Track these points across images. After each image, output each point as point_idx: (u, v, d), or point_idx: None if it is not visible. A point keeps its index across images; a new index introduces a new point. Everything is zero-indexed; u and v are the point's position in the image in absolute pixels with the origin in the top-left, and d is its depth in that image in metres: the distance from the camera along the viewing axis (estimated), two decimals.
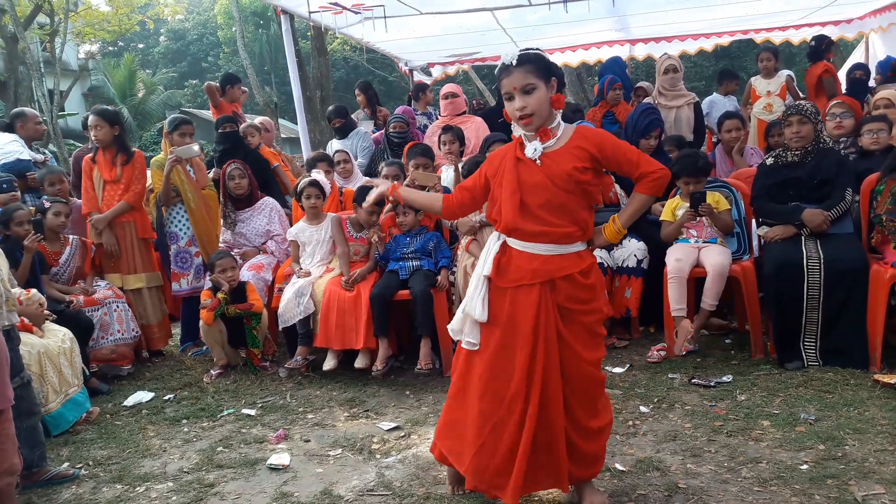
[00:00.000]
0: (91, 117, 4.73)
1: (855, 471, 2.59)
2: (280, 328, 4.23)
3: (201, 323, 4.21)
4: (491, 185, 2.41)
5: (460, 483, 2.58)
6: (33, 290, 3.69)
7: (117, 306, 4.42)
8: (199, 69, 32.06)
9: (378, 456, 3.06)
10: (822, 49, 6.66)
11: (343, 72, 26.77)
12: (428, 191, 4.56)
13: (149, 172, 4.97)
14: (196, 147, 4.85)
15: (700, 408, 3.28)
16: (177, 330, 5.16)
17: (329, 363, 3.99)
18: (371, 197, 2.76)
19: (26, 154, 5.11)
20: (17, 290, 3.38)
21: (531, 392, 2.29)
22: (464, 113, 5.91)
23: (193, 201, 4.80)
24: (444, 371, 4.01)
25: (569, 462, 2.36)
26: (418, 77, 8.86)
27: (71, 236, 4.53)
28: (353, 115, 6.92)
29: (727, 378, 3.59)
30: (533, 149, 2.29)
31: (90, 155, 4.75)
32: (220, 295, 4.17)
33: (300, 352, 4.13)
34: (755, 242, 4.19)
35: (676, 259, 3.94)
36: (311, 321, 4.11)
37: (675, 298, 3.85)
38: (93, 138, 4.72)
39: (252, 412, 3.67)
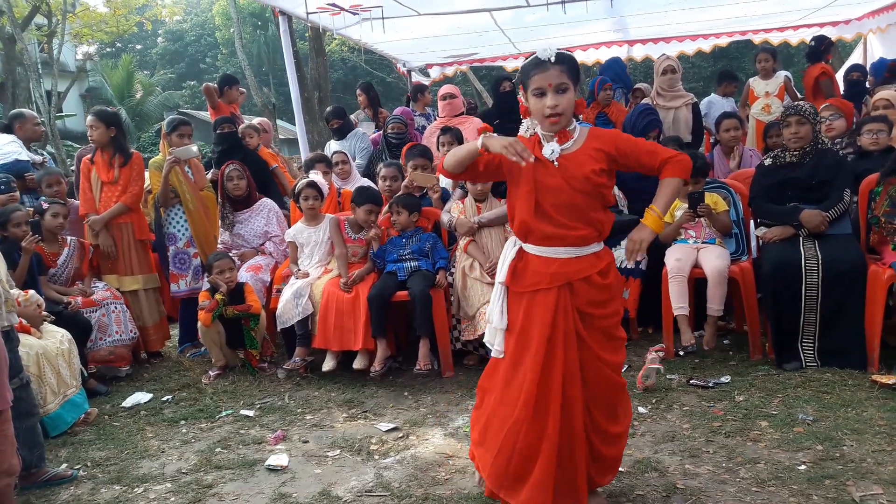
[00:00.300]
0: (88, 118, 4.73)
1: (853, 471, 2.60)
2: (278, 329, 4.23)
3: (199, 324, 4.21)
4: (507, 181, 2.37)
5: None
6: (31, 292, 3.69)
7: (115, 307, 4.42)
8: (197, 70, 32.06)
9: (376, 457, 3.06)
10: (822, 50, 6.67)
11: (341, 73, 26.80)
12: (426, 192, 4.58)
13: (147, 174, 4.97)
14: (195, 148, 4.85)
15: (698, 408, 3.29)
16: (175, 331, 5.16)
17: (327, 364, 3.99)
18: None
19: (24, 155, 5.10)
20: (15, 292, 3.39)
21: (551, 398, 2.25)
22: (462, 114, 5.92)
23: (192, 202, 4.80)
24: (443, 372, 4.01)
25: (591, 465, 2.34)
26: (416, 78, 8.86)
27: (69, 237, 4.53)
28: (353, 116, 6.93)
29: (725, 379, 3.60)
30: (550, 150, 2.25)
31: (89, 156, 4.75)
32: (218, 296, 4.16)
33: (298, 353, 4.13)
34: (753, 243, 4.19)
35: (676, 259, 3.94)
36: (310, 322, 4.11)
37: (677, 297, 3.86)
38: (89, 139, 4.72)
39: (250, 413, 3.66)
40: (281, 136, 19.03)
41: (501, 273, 2.36)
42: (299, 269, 4.35)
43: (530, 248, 2.32)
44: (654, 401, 3.39)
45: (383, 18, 6.06)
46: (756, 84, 6.67)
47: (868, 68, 6.86)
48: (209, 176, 5.21)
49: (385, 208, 4.40)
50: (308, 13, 6.04)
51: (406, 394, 3.81)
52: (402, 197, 4.32)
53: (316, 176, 4.66)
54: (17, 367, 2.85)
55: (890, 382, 3.26)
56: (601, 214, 2.29)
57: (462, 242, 4.14)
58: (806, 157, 3.81)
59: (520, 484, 2.30)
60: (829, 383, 3.40)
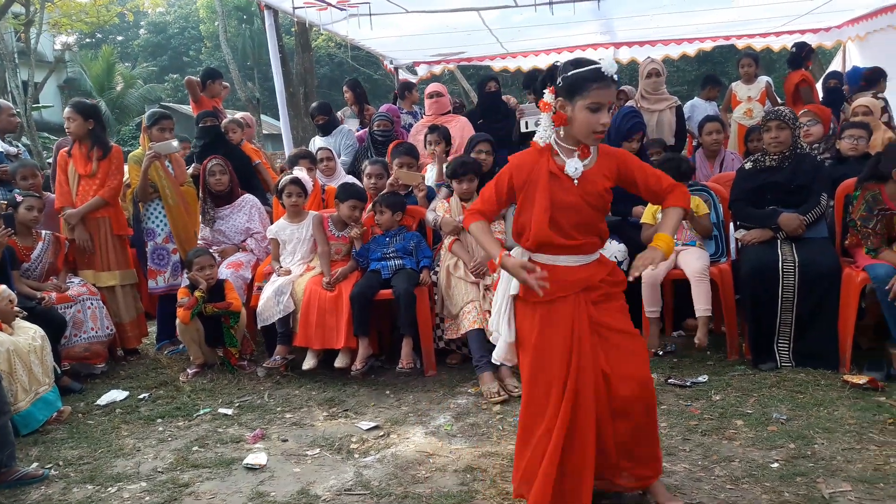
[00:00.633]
0: (65, 109, 4.65)
1: (823, 468, 2.63)
2: (259, 327, 4.19)
3: (178, 321, 4.16)
4: (517, 195, 2.33)
5: None
6: (3, 287, 3.61)
7: (91, 303, 4.35)
8: (180, 63, 31.71)
9: (356, 455, 3.04)
10: (802, 56, 6.75)
11: (327, 69, 26.66)
12: (411, 190, 4.57)
13: (126, 167, 4.90)
14: (175, 143, 4.79)
15: (676, 407, 3.31)
16: (153, 328, 5.09)
17: (308, 362, 3.96)
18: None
19: None
20: None
21: (564, 400, 2.26)
22: (448, 112, 5.90)
23: (171, 197, 4.74)
24: (426, 371, 4.00)
25: (630, 462, 2.35)
26: (403, 76, 8.84)
27: (44, 231, 4.46)
28: (339, 113, 6.89)
29: (703, 378, 3.63)
30: (574, 167, 2.24)
31: (66, 148, 4.67)
32: (197, 293, 4.12)
33: (279, 351, 4.10)
34: (732, 245, 4.23)
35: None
36: (291, 320, 4.07)
37: (649, 301, 3.95)
38: (66, 131, 4.65)
39: (229, 411, 3.63)
40: (265, 132, 18.90)
41: (513, 285, 2.32)
42: (281, 267, 4.31)
43: (542, 259, 2.32)
44: None
45: (371, 15, 6.03)
46: (738, 88, 6.73)
47: (845, 76, 6.96)
48: (190, 170, 5.15)
49: (369, 206, 4.38)
50: (294, 8, 6.00)
51: (388, 392, 3.79)
52: (386, 196, 4.30)
53: (300, 172, 4.62)
54: None
55: (860, 382, 3.31)
56: (603, 224, 2.36)
57: (447, 241, 4.13)
58: (785, 161, 3.85)
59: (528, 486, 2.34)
60: (802, 383, 3.44)
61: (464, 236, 4.10)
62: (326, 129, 6.01)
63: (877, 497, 2.42)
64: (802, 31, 8.12)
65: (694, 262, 3.93)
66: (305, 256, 4.35)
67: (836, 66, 8.57)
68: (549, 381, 2.28)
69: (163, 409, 3.73)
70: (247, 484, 2.84)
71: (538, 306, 2.29)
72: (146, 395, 3.96)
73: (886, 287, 3.34)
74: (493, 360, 2.54)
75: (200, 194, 4.83)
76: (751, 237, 3.86)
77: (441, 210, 4.20)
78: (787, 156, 3.85)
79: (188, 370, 4.23)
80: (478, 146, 4.41)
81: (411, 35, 7.54)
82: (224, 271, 4.44)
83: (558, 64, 2.30)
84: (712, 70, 15.63)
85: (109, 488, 2.88)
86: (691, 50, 8.51)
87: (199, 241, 4.77)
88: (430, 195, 4.53)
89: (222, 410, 3.64)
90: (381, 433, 3.26)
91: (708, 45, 8.49)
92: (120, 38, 33.78)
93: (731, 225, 4.22)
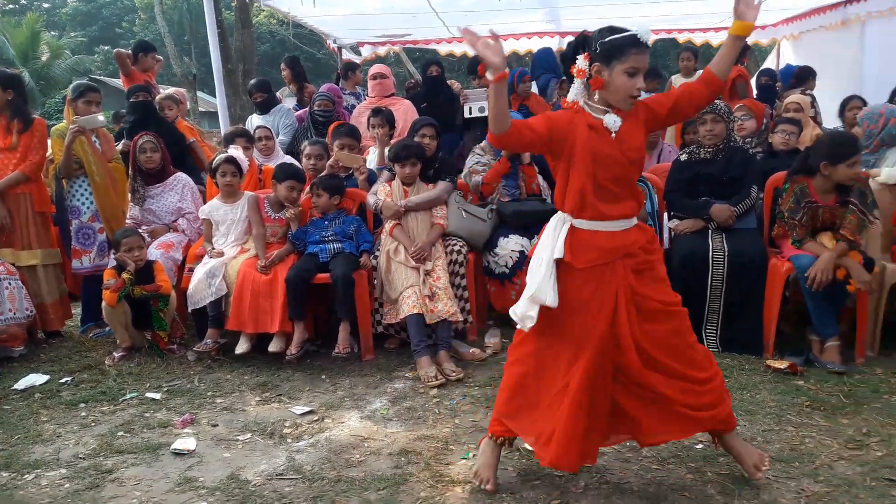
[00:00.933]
0: None
1: None
2: (189, 310, 4.06)
3: (104, 304, 3.98)
4: (556, 148, 2.29)
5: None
6: None
7: (9, 283, 4.12)
8: (112, 35, 30.34)
9: (289, 440, 3.00)
10: (742, 52, 6.95)
11: (268, 46, 25.99)
12: (352, 173, 4.50)
13: (49, 142, 4.65)
14: (101, 117, 4.57)
15: None
16: (77, 310, 4.87)
17: (241, 347, 3.86)
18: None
19: None
20: None
21: (604, 374, 2.28)
22: (392, 95, 5.84)
23: (98, 174, 4.53)
24: (363, 355, 3.96)
25: (695, 412, 2.33)
26: (347, 56, 8.69)
27: None
28: (279, 93, 6.72)
29: None
30: (612, 120, 2.26)
31: None
32: (124, 275, 3.95)
33: (210, 335, 3.98)
34: (666, 235, 4.33)
35: None
36: (223, 303, 3.96)
37: None
38: None
39: (157, 396, 3.51)
40: (201, 109, 18.34)
41: (558, 249, 2.28)
42: (213, 248, 4.18)
43: (583, 224, 2.29)
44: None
45: None
46: (678, 81, 6.89)
47: (778, 73, 7.22)
48: (120, 147, 4.94)
49: (308, 188, 4.29)
50: None
51: (323, 377, 3.74)
52: (324, 179, 4.22)
53: (235, 151, 4.49)
54: None
55: (782, 367, 3.46)
56: (637, 187, 2.36)
57: (388, 225, 4.08)
58: (719, 153, 3.96)
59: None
60: (728, 368, 3.55)
61: (405, 220, 4.07)
62: (265, 108, 5.85)
63: (792, 475, 2.52)
64: None
65: None
66: (239, 238, 4.23)
67: (770, 63, 8.88)
68: (579, 344, 2.28)
69: (86, 393, 3.58)
70: (174, 469, 2.76)
71: (580, 272, 2.27)
72: (68, 379, 3.79)
73: (807, 275, 3.48)
74: (515, 319, 2.37)
75: (130, 172, 4.63)
76: (683, 227, 3.96)
77: (382, 194, 4.15)
78: (721, 148, 3.96)
79: (114, 354, 4.06)
80: (421, 130, 4.37)
81: (356, 14, 7.42)
82: (154, 252, 4.27)
83: (588, 33, 2.32)
84: (654, 63, 15.97)
85: (26, 475, 2.75)
86: None
87: (127, 221, 4.57)
88: (372, 178, 4.47)
89: (150, 395, 3.52)
90: (316, 418, 3.21)
91: (650, 38, 8.64)
92: (46, 5, 32.07)
93: (665, 215, 4.33)
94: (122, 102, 5.90)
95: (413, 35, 8.64)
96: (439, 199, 4.17)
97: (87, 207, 4.57)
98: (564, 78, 6.33)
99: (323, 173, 4.36)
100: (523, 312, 2.33)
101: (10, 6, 27.50)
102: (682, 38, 8.59)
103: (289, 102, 6.42)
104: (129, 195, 4.64)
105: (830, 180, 3.53)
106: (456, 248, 4.09)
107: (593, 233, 2.29)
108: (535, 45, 8.47)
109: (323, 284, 3.92)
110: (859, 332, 3.59)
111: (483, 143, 4.65)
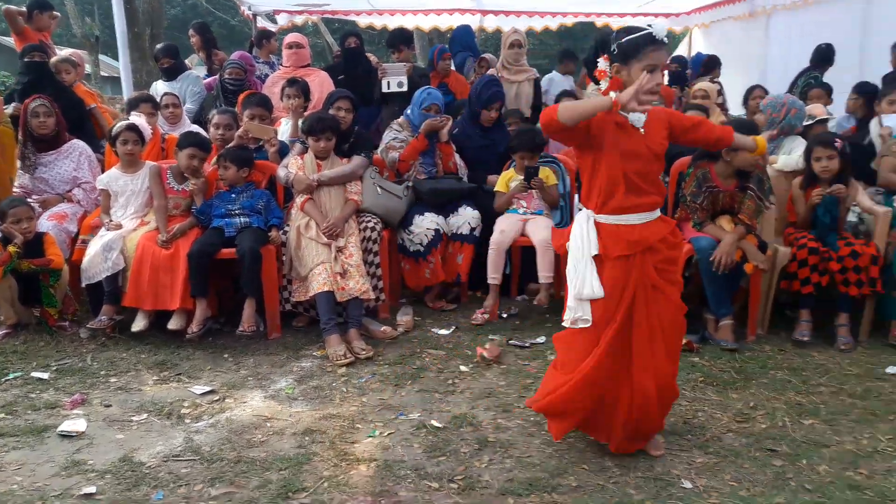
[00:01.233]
0: None
1: None
2: (83, 285, 3.83)
3: None
4: (593, 142, 2.37)
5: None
6: None
7: None
8: None
9: (188, 420, 2.89)
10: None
11: (179, 10, 24.69)
12: (262, 144, 4.34)
13: None
14: None
15: (515, 367, 3.44)
16: None
17: (139, 324, 3.68)
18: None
19: None
20: None
21: (624, 358, 2.42)
22: (308, 65, 5.67)
23: None
24: (269, 334, 3.86)
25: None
26: (262, 24, 8.36)
27: None
28: (187, 60, 6.41)
29: (541, 339, 3.79)
30: (637, 117, 2.37)
31: None
32: (10, 248, 3.68)
33: (105, 311, 3.77)
34: (576, 215, 4.41)
35: (501, 231, 4.13)
36: (120, 278, 3.76)
37: (493, 268, 4.08)
38: None
39: (44, 375, 3.31)
40: (103, 74, 17.33)
41: (593, 245, 2.39)
42: (111, 220, 3.95)
43: (605, 219, 2.41)
44: (476, 360, 3.49)
45: None
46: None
47: (689, 61, 7.48)
48: (9, 110, 4.58)
49: (214, 159, 4.11)
50: None
51: (226, 356, 3.62)
52: (232, 150, 4.05)
53: (138, 118, 4.25)
54: None
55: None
56: (660, 181, 2.49)
57: (299, 200, 3.97)
58: None
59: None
60: None
61: (317, 195, 3.97)
62: (171, 74, 5.58)
63: (684, 447, 2.64)
64: (656, 15, 8.58)
65: (541, 230, 4.07)
66: (139, 210, 4.01)
67: (681, 51, 9.17)
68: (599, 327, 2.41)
69: None
70: (61, 452, 2.62)
71: (608, 262, 2.40)
72: None
73: (711, 258, 3.61)
74: (566, 324, 2.49)
75: (20, 137, 4.31)
76: None
77: (294, 167, 4.02)
78: None
79: None
80: (337, 102, 4.25)
81: None
82: (45, 223, 4.01)
83: (607, 36, 2.45)
84: (573, 46, 16.21)
85: None
86: (553, 24, 8.73)
87: (15, 189, 4.28)
88: (283, 151, 4.33)
89: (36, 374, 3.32)
90: (217, 398, 3.11)
91: (569, 21, 8.76)
92: None
93: (577, 196, 4.41)
94: (14, 62, 5.48)
95: (332, 5, 8.41)
96: (354, 175, 4.09)
97: None
98: (483, 56, 6.36)
99: (231, 144, 4.19)
100: (576, 316, 2.43)
101: None
102: (599, 22, 8.74)
103: (199, 70, 6.13)
104: (19, 162, 4.33)
105: (731, 166, 3.67)
106: (370, 224, 4.03)
107: (616, 227, 2.41)
108: (457, 21, 8.41)
109: (228, 260, 3.79)
110: (751, 312, 3.77)
111: (401, 119, 4.58)
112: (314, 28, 11.68)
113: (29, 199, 4.08)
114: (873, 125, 4.34)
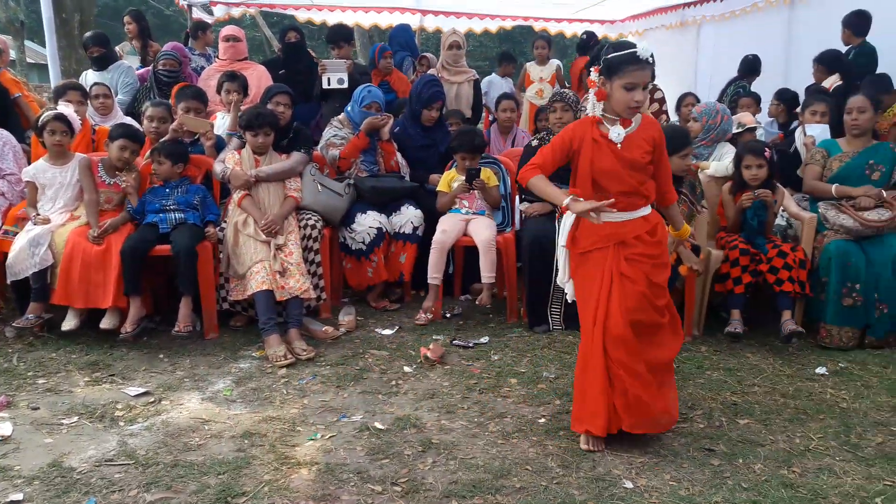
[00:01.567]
0: None
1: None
2: (8, 282, 3.65)
3: None
4: (573, 159, 2.62)
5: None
6: None
7: None
8: None
9: (121, 423, 2.81)
10: (590, 45, 7.32)
11: None
12: (198, 138, 4.23)
13: None
14: None
15: (458, 367, 3.47)
16: None
17: (69, 323, 3.54)
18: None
19: None
20: None
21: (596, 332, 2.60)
22: (245, 59, 5.55)
23: None
24: (206, 333, 3.77)
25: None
26: (198, 14, 8.11)
27: None
28: (118, 48, 6.18)
29: (484, 339, 3.84)
30: (616, 133, 2.54)
31: None
32: None
33: (33, 309, 3.60)
34: (517, 216, 4.50)
35: (443, 231, 4.16)
36: (49, 275, 3.60)
37: (433, 267, 4.11)
38: None
39: None
40: (30, 60, 16.48)
41: (562, 238, 2.69)
42: (38, 214, 3.77)
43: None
44: (419, 360, 3.51)
45: None
46: (532, 69, 7.14)
47: None
48: None
49: (147, 153, 3.98)
50: None
51: (161, 356, 3.53)
52: (166, 145, 3.93)
53: (66, 108, 4.06)
54: None
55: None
56: (649, 184, 2.62)
57: (236, 196, 3.89)
58: None
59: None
60: (570, 345, 3.77)
61: (255, 192, 3.90)
62: (102, 63, 5.37)
63: (625, 447, 2.68)
64: (591, 21, 8.81)
65: (483, 231, 4.12)
66: (69, 204, 3.85)
67: None
68: (590, 321, 2.61)
69: None
70: None
71: (579, 256, 2.65)
72: None
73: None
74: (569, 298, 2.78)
75: None
76: (532, 210, 4.14)
77: (231, 162, 3.94)
78: None
79: None
80: (275, 97, 4.18)
81: None
82: None
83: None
84: (511, 49, 16.44)
85: None
86: (493, 26, 8.83)
87: None
88: (220, 145, 4.24)
89: None
90: (152, 400, 3.03)
91: (508, 24, 8.87)
92: None
93: (518, 197, 4.49)
94: None
95: None
96: (293, 171, 4.04)
97: None
98: (424, 55, 6.38)
99: (166, 138, 4.06)
100: (571, 295, 2.77)
101: None
102: (538, 26, 8.89)
103: (132, 60, 5.91)
104: None
105: None
106: (310, 222, 3.99)
107: (590, 224, 2.57)
108: (397, 20, 8.39)
109: (163, 257, 3.68)
110: (687, 314, 3.89)
111: (341, 116, 4.55)
112: (252, 21, 11.44)
113: None
114: (798, 134, 4.56)
